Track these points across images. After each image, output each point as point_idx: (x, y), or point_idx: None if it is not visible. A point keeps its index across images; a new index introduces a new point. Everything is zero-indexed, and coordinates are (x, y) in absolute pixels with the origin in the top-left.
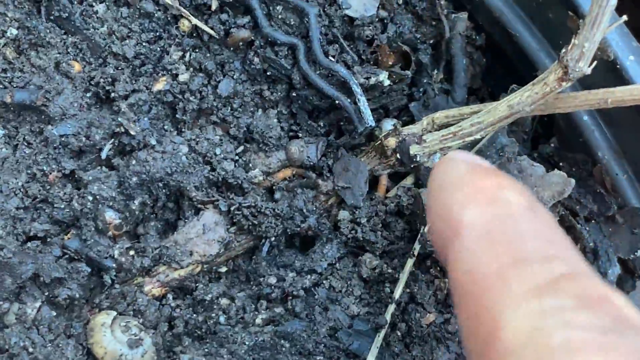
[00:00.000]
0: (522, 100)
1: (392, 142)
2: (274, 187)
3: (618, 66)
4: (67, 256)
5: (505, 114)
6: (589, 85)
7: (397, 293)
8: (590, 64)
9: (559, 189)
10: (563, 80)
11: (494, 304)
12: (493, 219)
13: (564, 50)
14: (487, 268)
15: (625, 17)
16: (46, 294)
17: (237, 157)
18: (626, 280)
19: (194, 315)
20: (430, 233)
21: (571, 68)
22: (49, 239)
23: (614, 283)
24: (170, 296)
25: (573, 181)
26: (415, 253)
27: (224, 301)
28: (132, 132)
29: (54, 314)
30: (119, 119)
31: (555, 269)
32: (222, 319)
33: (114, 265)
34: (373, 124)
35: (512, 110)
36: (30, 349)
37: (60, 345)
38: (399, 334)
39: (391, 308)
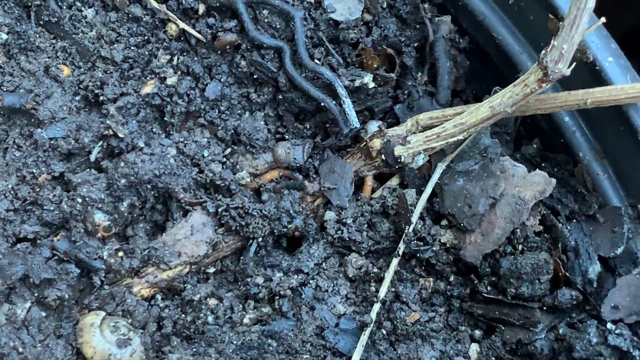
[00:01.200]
0: (503, 102)
1: (377, 143)
2: (261, 189)
3: (597, 67)
4: (56, 257)
5: (488, 114)
6: (569, 86)
7: (382, 292)
8: (570, 65)
9: (540, 188)
10: (543, 81)
11: None
12: None
13: (543, 52)
14: None
15: (603, 19)
16: (36, 294)
17: (224, 159)
18: (607, 278)
19: (183, 315)
20: None
21: (550, 69)
22: (38, 241)
23: (595, 281)
24: (159, 296)
25: (554, 181)
26: (400, 252)
27: (212, 301)
28: (121, 135)
29: (44, 314)
30: (107, 122)
31: None
32: (210, 319)
33: (103, 266)
34: (358, 126)
35: (494, 111)
36: (20, 349)
37: (50, 345)
38: (384, 332)
39: (376, 307)
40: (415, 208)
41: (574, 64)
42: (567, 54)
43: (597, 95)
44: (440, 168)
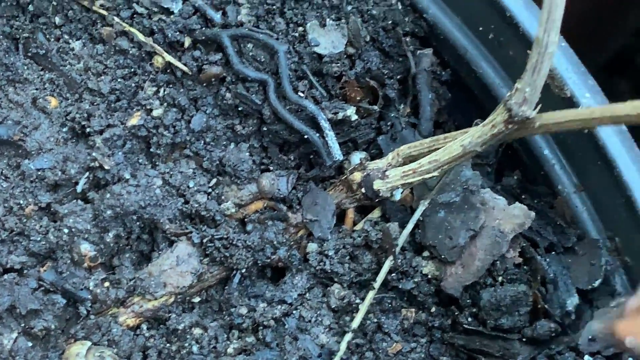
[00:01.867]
0: (473, 141)
1: (357, 176)
2: (245, 219)
3: (575, 102)
4: (43, 288)
5: (460, 153)
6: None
7: (356, 323)
8: (537, 105)
9: (519, 221)
10: (509, 122)
11: None
12: None
13: (508, 94)
14: None
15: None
16: (22, 325)
17: (210, 190)
18: (585, 310)
19: (168, 344)
20: None
21: (515, 112)
22: (25, 271)
23: (573, 313)
24: (144, 326)
25: (533, 214)
26: (377, 285)
27: (197, 331)
28: (107, 167)
29: (30, 344)
30: (94, 154)
31: None
32: (194, 348)
33: (89, 296)
34: (341, 158)
35: (465, 150)
36: None
37: None
38: None
39: (348, 337)
40: (397, 241)
41: (540, 105)
42: (531, 97)
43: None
44: (422, 205)
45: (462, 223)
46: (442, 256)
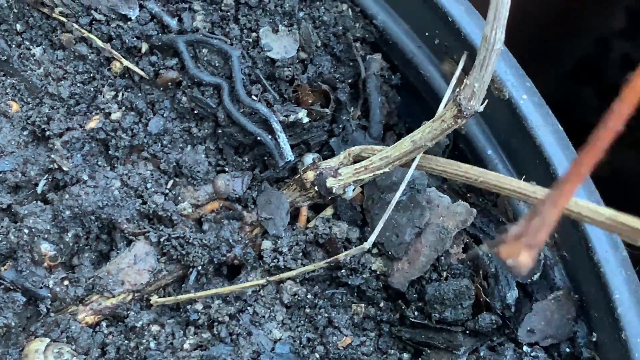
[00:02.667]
0: (423, 136)
1: (310, 175)
2: (202, 219)
3: (513, 104)
4: (3, 286)
5: (410, 148)
6: (490, 121)
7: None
8: (483, 102)
9: (462, 218)
10: (458, 117)
11: None
12: None
13: (457, 89)
14: None
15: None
16: None
17: (167, 191)
18: (524, 303)
19: (126, 341)
20: None
21: (464, 106)
22: None
23: (513, 305)
24: (103, 324)
25: (474, 211)
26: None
27: (155, 328)
28: (65, 169)
29: None
30: (53, 156)
31: None
32: (152, 344)
33: (49, 294)
34: (292, 159)
35: (415, 145)
36: None
37: None
38: (317, 356)
39: None
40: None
41: (486, 101)
42: (479, 92)
43: (490, 178)
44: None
45: (408, 221)
46: (389, 252)
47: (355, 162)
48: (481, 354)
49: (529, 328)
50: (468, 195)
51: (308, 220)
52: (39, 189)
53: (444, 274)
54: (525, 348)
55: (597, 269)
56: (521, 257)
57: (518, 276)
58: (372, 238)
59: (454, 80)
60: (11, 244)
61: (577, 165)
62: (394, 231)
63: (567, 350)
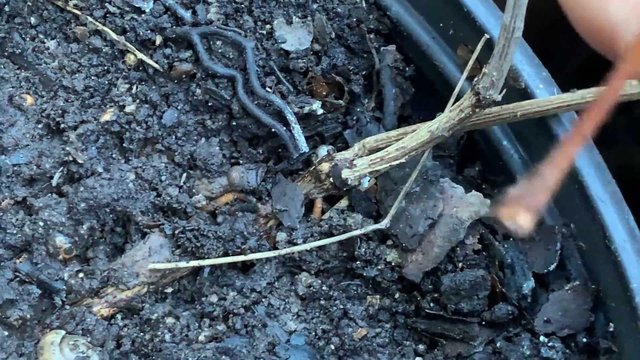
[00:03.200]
0: (441, 126)
1: (325, 167)
2: (216, 211)
3: (529, 94)
4: (18, 279)
5: (427, 139)
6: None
7: None
8: (501, 91)
9: (476, 209)
10: (476, 106)
11: None
12: None
13: (476, 78)
14: None
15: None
16: None
17: (181, 183)
18: (541, 294)
19: (141, 333)
20: None
21: (482, 95)
22: (2, 263)
23: (529, 296)
24: (118, 316)
25: (488, 201)
26: None
27: (170, 320)
28: (80, 161)
29: (6, 333)
30: (67, 148)
31: None
32: (167, 337)
33: (64, 287)
34: (307, 150)
35: (433, 136)
36: None
37: None
38: (332, 347)
39: None
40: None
41: (504, 90)
42: (498, 81)
43: (526, 107)
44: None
45: (421, 212)
46: (403, 244)
47: (370, 153)
48: (497, 344)
49: (545, 318)
50: (483, 186)
51: (323, 212)
52: (53, 182)
53: (460, 264)
54: (542, 338)
55: (614, 258)
56: (520, 219)
57: (517, 237)
58: (388, 217)
59: (468, 69)
60: (26, 236)
61: (579, 126)
62: (407, 223)
63: (584, 340)
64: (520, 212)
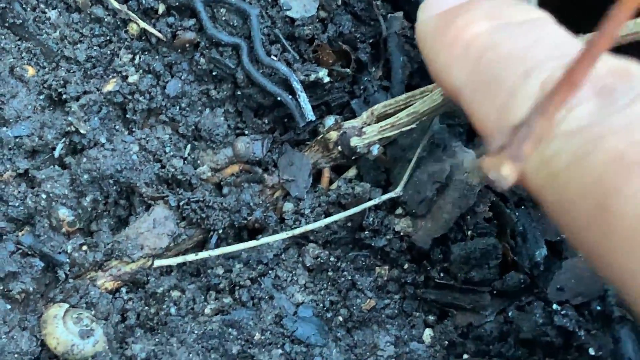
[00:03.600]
0: None
1: (333, 135)
2: (221, 183)
3: None
4: (21, 251)
5: (440, 102)
6: None
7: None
8: None
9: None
10: None
11: None
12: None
13: None
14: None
15: None
16: (1, 287)
17: (186, 155)
18: (554, 262)
19: (146, 307)
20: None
21: None
22: (4, 236)
23: (542, 264)
24: (123, 289)
25: (478, 153)
26: None
27: (175, 293)
28: (83, 131)
29: (9, 307)
30: (70, 118)
31: None
32: (172, 310)
33: (68, 260)
34: (313, 119)
35: (447, 99)
36: None
37: (15, 337)
38: (340, 319)
39: None
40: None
41: None
42: None
43: None
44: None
45: (429, 176)
46: (413, 210)
47: (378, 120)
48: (509, 314)
49: (558, 286)
50: None
51: (330, 182)
52: (56, 153)
53: (470, 233)
54: (554, 307)
55: None
56: (504, 170)
57: (498, 189)
58: (400, 185)
59: None
60: (28, 209)
61: (571, 69)
62: (415, 188)
63: (598, 308)
64: (504, 163)
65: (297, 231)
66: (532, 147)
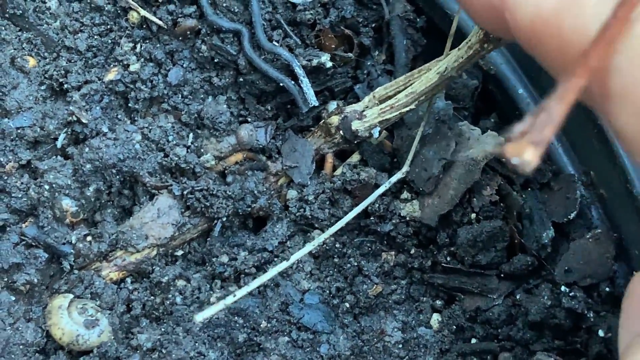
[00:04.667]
0: (449, 65)
1: (335, 119)
2: (225, 171)
3: None
4: (24, 242)
5: (436, 81)
6: (520, 57)
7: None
8: None
9: (491, 148)
10: (485, 42)
11: None
12: None
13: None
14: None
15: None
16: (5, 279)
17: (189, 143)
18: (561, 243)
19: (152, 297)
20: None
21: None
22: (7, 228)
23: (549, 246)
24: (128, 280)
25: (503, 139)
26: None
27: (180, 282)
28: (85, 121)
29: (13, 298)
30: (71, 108)
31: None
32: (178, 299)
33: (72, 251)
34: (316, 104)
35: (442, 77)
36: None
37: (20, 328)
38: (347, 305)
39: None
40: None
41: None
42: None
43: None
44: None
45: (434, 153)
46: (420, 189)
47: (380, 103)
48: (517, 297)
49: (566, 268)
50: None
51: (334, 168)
52: (58, 143)
53: (476, 216)
54: (563, 288)
55: (637, 204)
56: (526, 155)
57: (522, 175)
58: (406, 164)
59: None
60: (32, 200)
61: (585, 57)
62: (422, 166)
63: (607, 290)
64: (526, 148)
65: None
66: (552, 132)
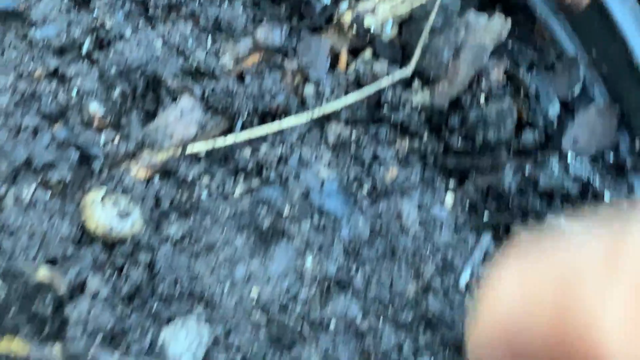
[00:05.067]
0: None
1: (347, 17)
2: (243, 73)
3: None
4: (56, 142)
5: None
6: None
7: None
8: None
9: (498, 32)
10: None
11: None
12: None
13: None
14: None
15: None
16: (40, 177)
17: (208, 47)
18: (567, 119)
19: (179, 193)
20: None
21: None
22: (39, 132)
23: (555, 120)
24: (156, 178)
25: (509, 21)
26: None
27: (205, 178)
28: (108, 26)
29: (48, 197)
30: (95, 15)
31: None
32: (204, 194)
33: (101, 152)
34: (328, 3)
35: None
36: (28, 228)
37: (56, 223)
38: (365, 190)
39: None
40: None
41: None
42: None
43: None
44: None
45: (444, 42)
46: (430, 76)
47: None
48: (526, 172)
49: (572, 138)
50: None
51: (348, 64)
52: (84, 50)
53: (485, 97)
54: (569, 159)
55: (638, 75)
56: None
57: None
58: (413, 60)
59: None
60: (61, 105)
61: None
62: (432, 55)
63: (612, 158)
64: None
65: (317, 111)
66: None
